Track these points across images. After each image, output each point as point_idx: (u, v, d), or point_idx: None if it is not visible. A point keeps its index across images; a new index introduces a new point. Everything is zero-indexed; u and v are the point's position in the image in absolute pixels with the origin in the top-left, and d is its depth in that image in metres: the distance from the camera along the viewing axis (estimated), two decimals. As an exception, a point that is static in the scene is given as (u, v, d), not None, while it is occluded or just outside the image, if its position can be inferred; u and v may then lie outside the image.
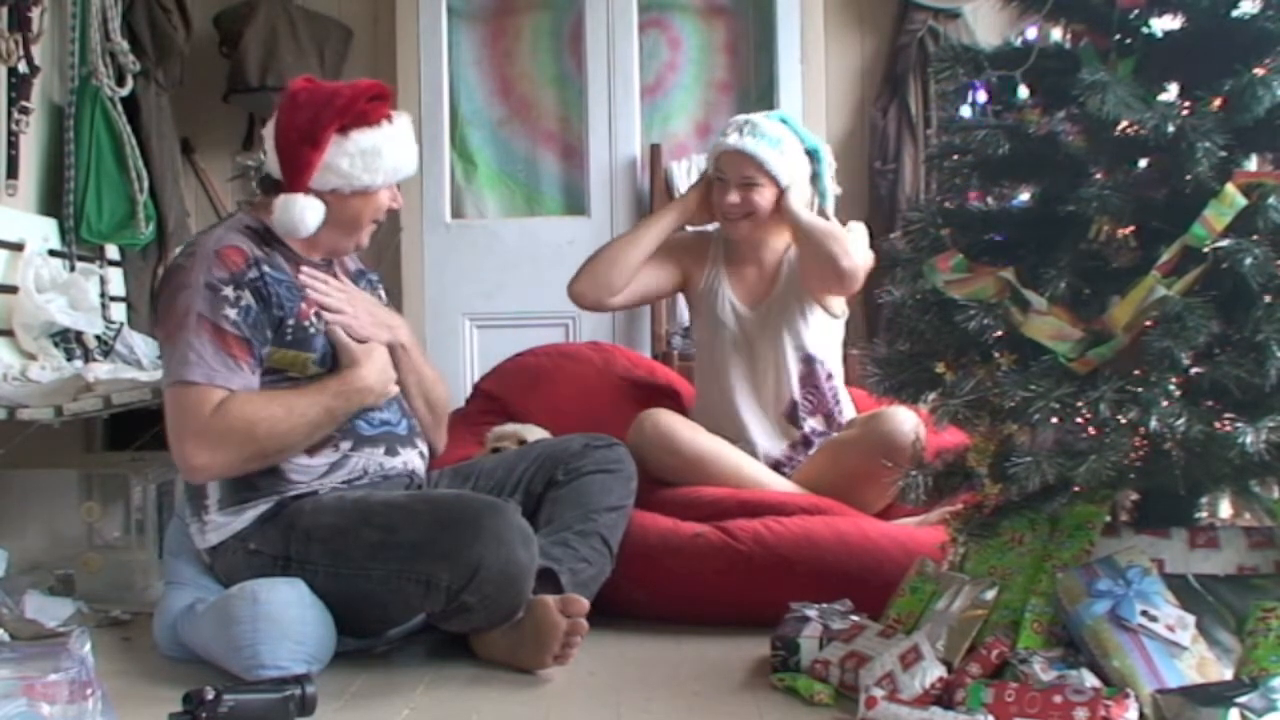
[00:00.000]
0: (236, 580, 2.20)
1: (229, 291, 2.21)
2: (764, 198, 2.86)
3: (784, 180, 2.84)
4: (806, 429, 2.89)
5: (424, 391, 2.51)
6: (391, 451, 2.37)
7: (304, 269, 2.37)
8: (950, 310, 1.97)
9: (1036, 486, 1.88)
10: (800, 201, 2.86)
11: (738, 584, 2.45)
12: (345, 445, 2.31)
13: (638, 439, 2.71)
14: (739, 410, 2.87)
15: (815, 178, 2.91)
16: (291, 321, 2.29)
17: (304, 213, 2.30)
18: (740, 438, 2.84)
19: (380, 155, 2.33)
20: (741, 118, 2.91)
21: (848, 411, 2.94)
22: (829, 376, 2.93)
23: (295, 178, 2.31)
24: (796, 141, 2.87)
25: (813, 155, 2.90)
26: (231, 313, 2.21)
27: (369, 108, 2.33)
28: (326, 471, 2.29)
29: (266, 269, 2.28)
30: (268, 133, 2.37)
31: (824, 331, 2.94)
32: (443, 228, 4.15)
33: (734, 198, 2.87)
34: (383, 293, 2.62)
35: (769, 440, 2.87)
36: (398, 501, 2.25)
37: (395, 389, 2.40)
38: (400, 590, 2.16)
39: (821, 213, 2.90)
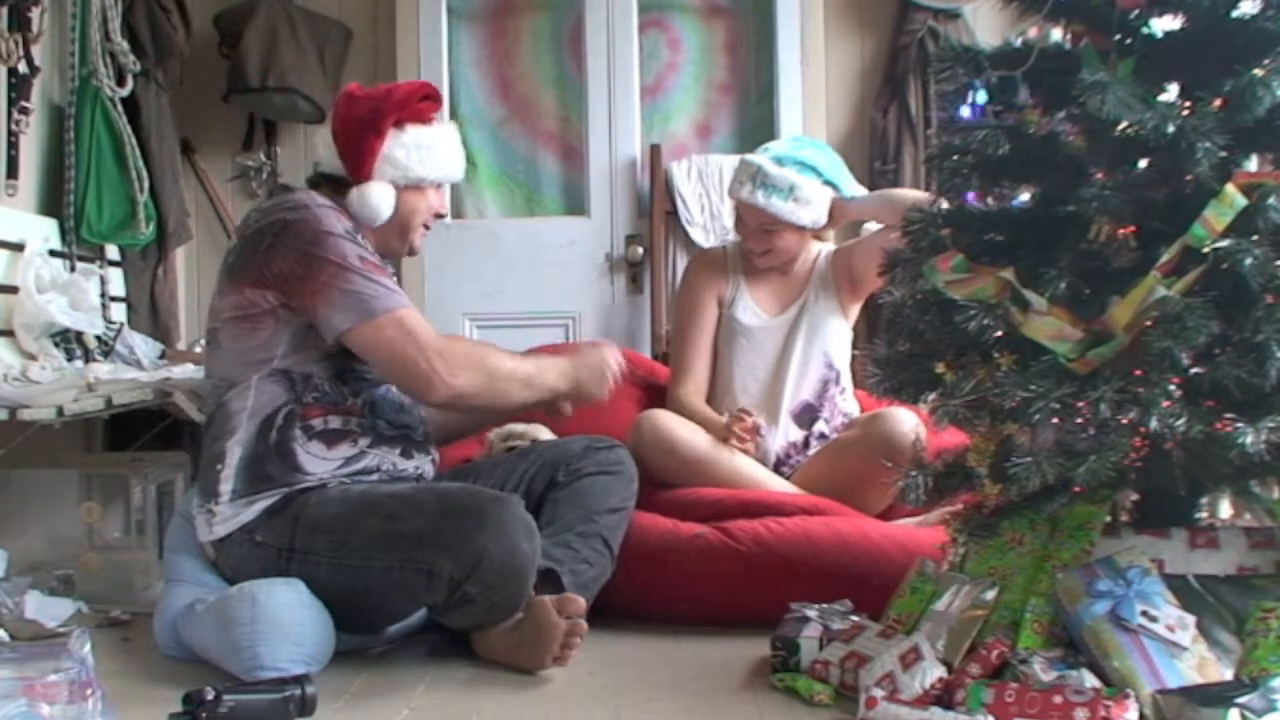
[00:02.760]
0: (241, 573, 2.21)
1: (362, 240, 2.30)
2: (784, 240, 2.89)
3: (801, 224, 2.85)
4: (814, 432, 2.88)
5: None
6: (406, 454, 2.38)
7: None
8: (950, 310, 1.97)
9: (1036, 487, 1.88)
10: (849, 196, 2.89)
11: (738, 584, 2.46)
12: (364, 442, 2.32)
13: (637, 440, 2.71)
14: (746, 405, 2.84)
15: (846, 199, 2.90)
16: None
17: (381, 199, 2.36)
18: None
19: (434, 150, 2.40)
20: (755, 163, 2.85)
21: (852, 414, 2.94)
22: (840, 386, 2.93)
23: (359, 166, 2.35)
24: (812, 180, 2.84)
25: (833, 186, 2.87)
26: (374, 259, 2.29)
27: (423, 106, 2.40)
28: (341, 465, 2.29)
29: None
30: (322, 132, 2.42)
31: (845, 340, 2.97)
32: (443, 228, 4.14)
33: (754, 243, 2.91)
34: None
35: (770, 433, 2.87)
36: (402, 492, 2.25)
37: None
38: (403, 581, 2.16)
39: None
